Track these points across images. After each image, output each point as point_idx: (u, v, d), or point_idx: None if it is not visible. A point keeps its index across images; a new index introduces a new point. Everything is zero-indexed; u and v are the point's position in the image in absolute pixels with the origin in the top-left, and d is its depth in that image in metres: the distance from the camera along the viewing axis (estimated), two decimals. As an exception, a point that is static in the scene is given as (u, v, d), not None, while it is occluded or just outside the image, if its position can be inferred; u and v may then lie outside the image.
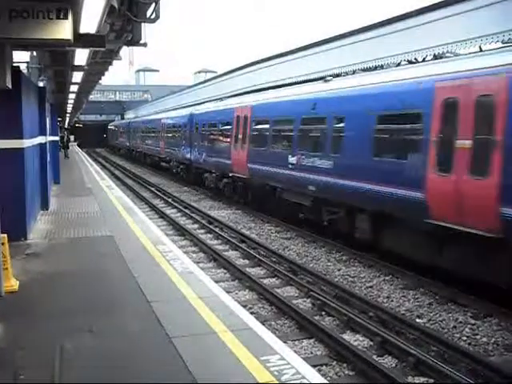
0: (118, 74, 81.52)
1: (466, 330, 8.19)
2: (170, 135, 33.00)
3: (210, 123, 23.89)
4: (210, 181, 23.51)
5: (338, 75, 17.46)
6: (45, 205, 13.99)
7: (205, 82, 40.99)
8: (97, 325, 5.85)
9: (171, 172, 32.36)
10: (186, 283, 7.39)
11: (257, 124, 18.04)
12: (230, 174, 20.33)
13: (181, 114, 31.30)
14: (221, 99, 25.82)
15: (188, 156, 27.07)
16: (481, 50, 12.17)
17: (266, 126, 17.15)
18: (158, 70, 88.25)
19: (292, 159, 14.78)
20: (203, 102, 31.37)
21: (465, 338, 7.90)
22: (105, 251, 9.41)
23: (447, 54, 13.56)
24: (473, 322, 8.45)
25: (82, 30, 7.40)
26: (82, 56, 10.91)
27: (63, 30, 6.55)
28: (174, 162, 31.19)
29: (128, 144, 52.74)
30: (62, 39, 6.66)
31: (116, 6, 7.11)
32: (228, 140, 20.73)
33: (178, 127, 30.67)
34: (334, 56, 19.14)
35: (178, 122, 31.01)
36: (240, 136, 19.20)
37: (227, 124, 21.00)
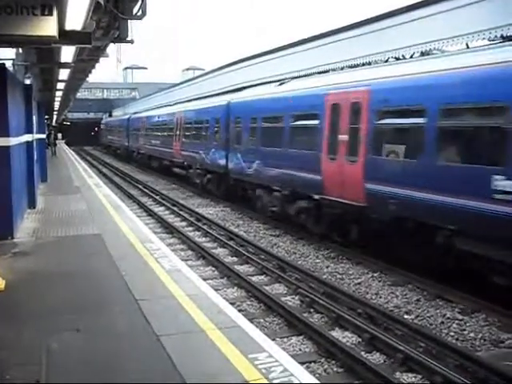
0: (106, 72, 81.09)
1: (454, 325, 8.25)
2: (189, 133, 25.52)
3: (266, 116, 16.65)
4: (269, 201, 16.22)
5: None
6: (32, 203, 13.89)
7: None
8: (84, 324, 5.80)
9: (189, 181, 25.52)
10: (173, 281, 7.37)
11: (385, 117, 11.04)
12: (316, 197, 13.28)
13: (208, 104, 23.78)
14: (280, 83, 17.74)
15: (222, 163, 20.05)
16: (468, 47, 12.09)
17: (416, 120, 10.10)
18: (146, 68, 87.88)
19: (506, 183, 8.18)
20: (239, 89, 23.54)
21: (452, 334, 7.96)
22: (92, 249, 9.36)
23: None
24: (460, 317, 8.52)
25: (68, 26, 7.33)
26: (68, 53, 10.83)
27: (48, 27, 6.48)
28: (197, 169, 23.63)
29: (127, 144, 44.86)
30: (47, 36, 6.59)
31: (102, 2, 7.05)
32: (311, 142, 13.71)
33: (204, 123, 23.15)
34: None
35: (204, 115, 23.27)
36: (343, 137, 12.18)
37: (307, 117, 13.98)
